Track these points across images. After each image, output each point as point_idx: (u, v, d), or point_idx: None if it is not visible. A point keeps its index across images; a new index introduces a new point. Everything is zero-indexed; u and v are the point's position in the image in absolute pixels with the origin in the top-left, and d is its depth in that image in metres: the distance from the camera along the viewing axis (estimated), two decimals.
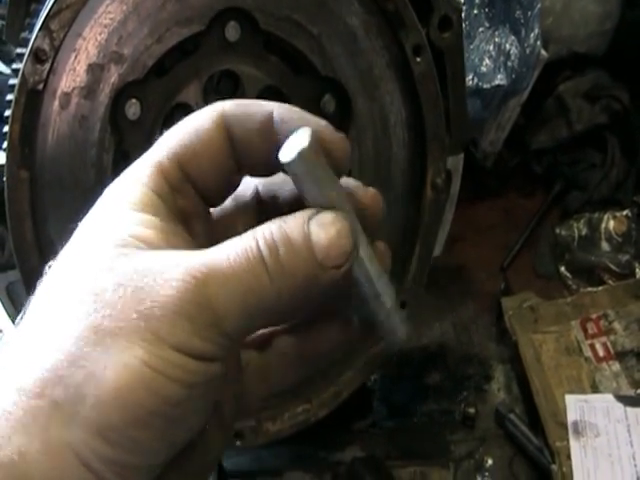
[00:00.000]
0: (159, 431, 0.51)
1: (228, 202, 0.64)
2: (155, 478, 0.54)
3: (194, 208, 0.60)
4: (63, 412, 0.49)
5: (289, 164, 0.54)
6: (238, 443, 1.12)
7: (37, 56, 0.91)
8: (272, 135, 0.58)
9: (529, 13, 1.48)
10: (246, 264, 0.52)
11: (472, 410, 1.46)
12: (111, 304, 0.50)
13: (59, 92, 0.94)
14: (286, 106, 0.59)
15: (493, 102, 1.53)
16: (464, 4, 1.46)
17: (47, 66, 0.91)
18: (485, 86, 1.49)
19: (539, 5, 1.48)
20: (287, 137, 0.56)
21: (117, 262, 0.52)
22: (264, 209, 0.64)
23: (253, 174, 0.62)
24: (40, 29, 0.90)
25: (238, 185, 0.63)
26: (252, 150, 0.59)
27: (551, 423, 1.38)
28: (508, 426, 1.43)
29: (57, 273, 0.55)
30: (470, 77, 1.48)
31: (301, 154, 0.54)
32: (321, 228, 0.54)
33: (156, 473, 0.53)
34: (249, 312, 0.53)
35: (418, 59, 1.04)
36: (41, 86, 0.92)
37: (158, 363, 0.50)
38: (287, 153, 0.54)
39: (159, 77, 0.98)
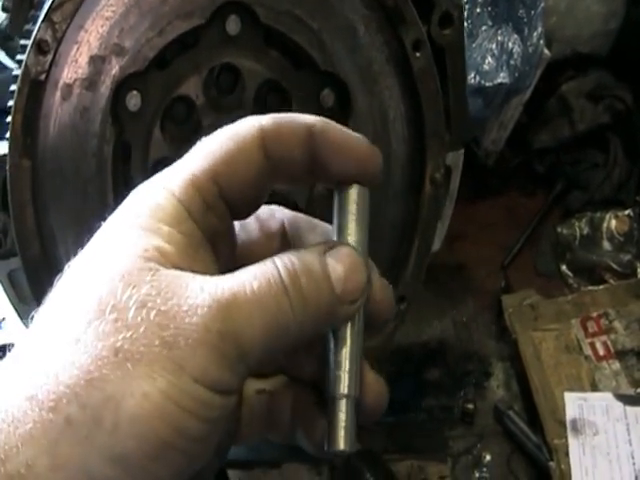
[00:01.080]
0: (176, 466, 0.50)
1: (254, 229, 0.65)
2: None
3: (223, 226, 0.59)
4: (77, 432, 0.48)
5: (354, 188, 0.59)
6: None
7: (40, 47, 0.92)
8: (313, 148, 0.58)
9: (532, 12, 1.49)
10: (270, 294, 0.52)
11: (471, 406, 1.47)
12: (133, 327, 0.49)
13: (61, 83, 0.94)
14: (324, 119, 0.60)
15: (495, 101, 1.53)
16: (467, 3, 1.47)
17: (49, 57, 0.92)
18: (487, 84, 1.50)
19: (542, 4, 1.49)
20: (329, 149, 0.59)
21: (140, 278, 0.51)
22: (287, 243, 0.64)
23: (286, 185, 0.63)
24: (43, 21, 0.91)
25: (265, 198, 0.62)
26: (292, 163, 0.59)
27: (550, 420, 1.39)
28: (507, 423, 1.44)
29: (75, 278, 0.54)
30: (472, 75, 1.49)
31: (365, 191, 0.60)
32: (337, 261, 0.56)
33: None
34: (270, 343, 0.52)
35: (418, 54, 1.04)
36: (43, 77, 0.93)
37: (178, 396, 0.49)
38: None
39: (160, 69, 0.99)
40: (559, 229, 1.70)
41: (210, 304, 0.50)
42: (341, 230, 0.59)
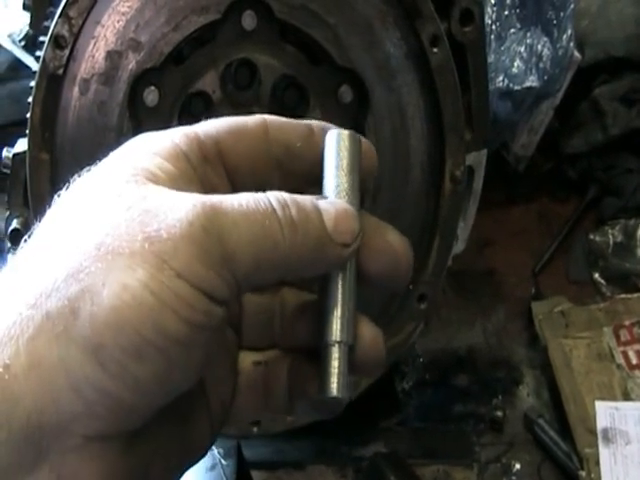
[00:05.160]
0: (155, 367, 0.48)
1: None
2: (139, 461, 0.52)
3: (220, 186, 0.58)
4: (55, 325, 0.47)
5: (338, 134, 0.58)
6: (255, 430, 1.11)
7: (57, 42, 0.94)
8: (315, 144, 0.59)
9: (562, 14, 1.47)
10: (258, 211, 0.52)
11: (500, 414, 1.45)
12: (116, 224, 0.49)
13: (79, 78, 0.96)
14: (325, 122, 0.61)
15: (524, 104, 1.52)
16: (495, 5, 1.46)
17: (66, 52, 0.94)
18: (516, 88, 1.48)
19: (572, 6, 1.47)
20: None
21: (126, 188, 0.52)
22: None
23: (289, 184, 0.61)
24: (59, 16, 0.93)
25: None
26: (293, 155, 0.59)
27: (580, 429, 1.36)
28: (537, 431, 1.41)
29: (66, 199, 0.55)
30: (501, 78, 1.47)
31: (351, 134, 0.58)
32: (330, 205, 0.55)
33: (141, 424, 0.51)
34: (260, 258, 0.51)
35: (435, 50, 1.04)
36: (61, 71, 0.95)
37: (159, 289, 0.48)
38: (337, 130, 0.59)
39: (176, 65, 1.00)
40: (592, 236, 1.67)
41: (195, 203, 0.50)
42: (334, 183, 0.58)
